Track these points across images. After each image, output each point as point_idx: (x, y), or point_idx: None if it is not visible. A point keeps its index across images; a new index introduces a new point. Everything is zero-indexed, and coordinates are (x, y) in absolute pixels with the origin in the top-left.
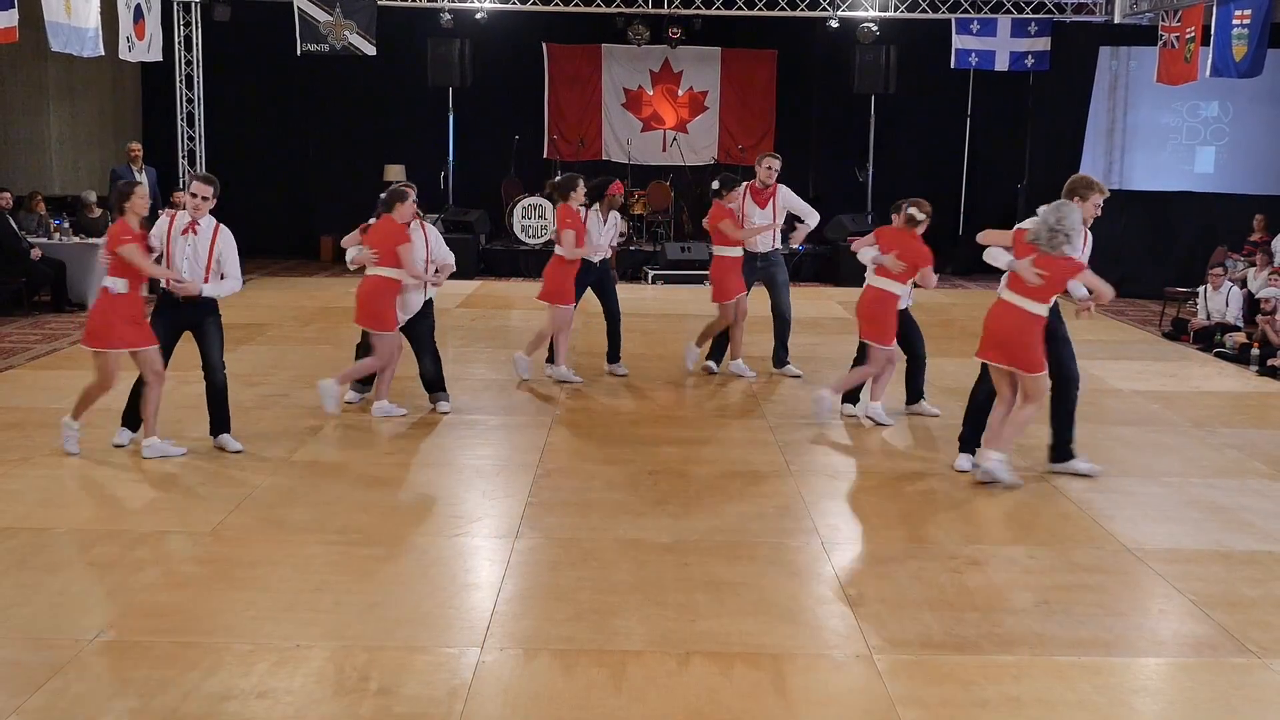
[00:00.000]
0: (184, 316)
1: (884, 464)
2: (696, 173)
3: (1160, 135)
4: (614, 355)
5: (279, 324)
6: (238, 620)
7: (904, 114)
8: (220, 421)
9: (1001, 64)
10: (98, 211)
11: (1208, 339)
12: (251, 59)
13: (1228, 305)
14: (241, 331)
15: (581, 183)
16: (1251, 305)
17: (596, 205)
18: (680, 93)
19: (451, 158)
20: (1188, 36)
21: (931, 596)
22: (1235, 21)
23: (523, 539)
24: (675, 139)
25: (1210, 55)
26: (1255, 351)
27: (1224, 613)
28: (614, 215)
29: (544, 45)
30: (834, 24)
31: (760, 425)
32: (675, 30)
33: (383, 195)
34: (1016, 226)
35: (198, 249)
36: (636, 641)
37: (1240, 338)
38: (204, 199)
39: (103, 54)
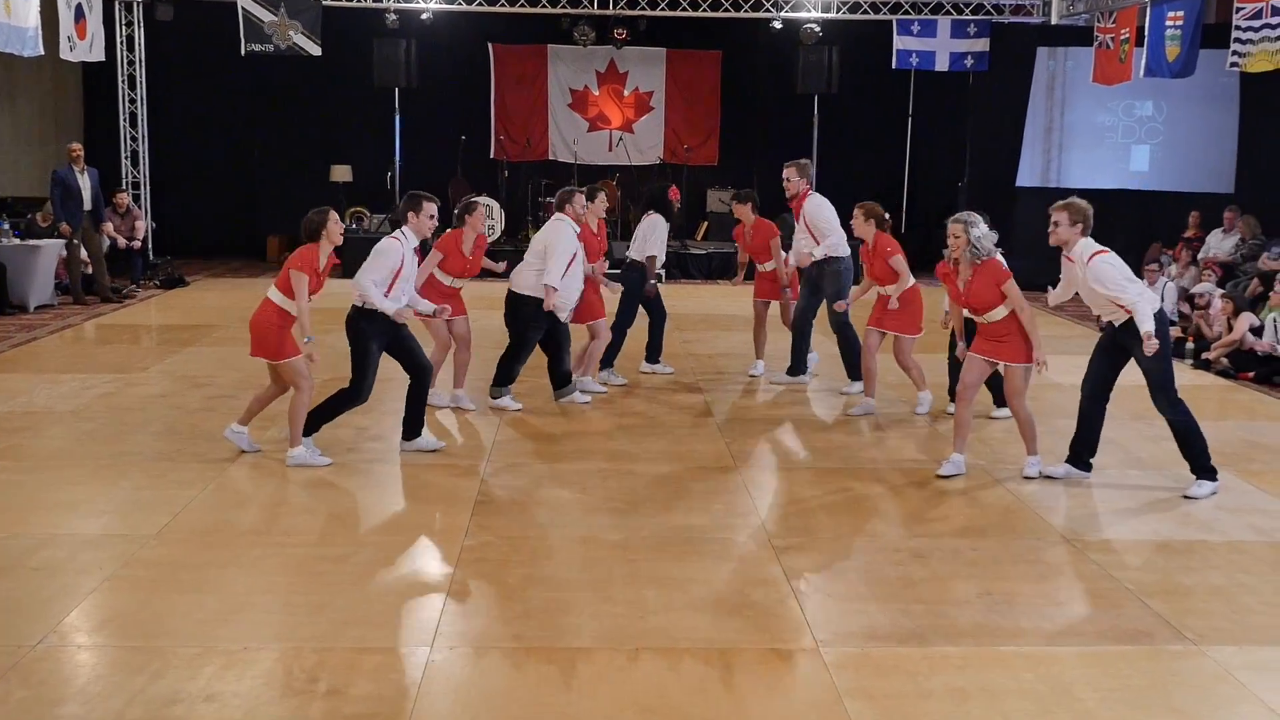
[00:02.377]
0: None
1: (831, 459)
2: (642, 172)
3: (1097, 134)
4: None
5: (225, 325)
6: (184, 623)
7: (847, 114)
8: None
9: (942, 64)
10: (49, 221)
11: None
12: (195, 59)
13: (1162, 300)
14: (187, 333)
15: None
16: (1186, 300)
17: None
18: (626, 93)
19: (398, 158)
20: (1122, 38)
21: (877, 589)
22: (1168, 23)
23: (471, 538)
24: (621, 139)
25: (1144, 56)
26: (1190, 345)
27: (1161, 601)
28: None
29: (490, 46)
30: (777, 25)
31: (708, 423)
32: (620, 31)
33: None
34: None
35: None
36: (586, 638)
37: (1175, 332)
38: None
39: (43, 54)
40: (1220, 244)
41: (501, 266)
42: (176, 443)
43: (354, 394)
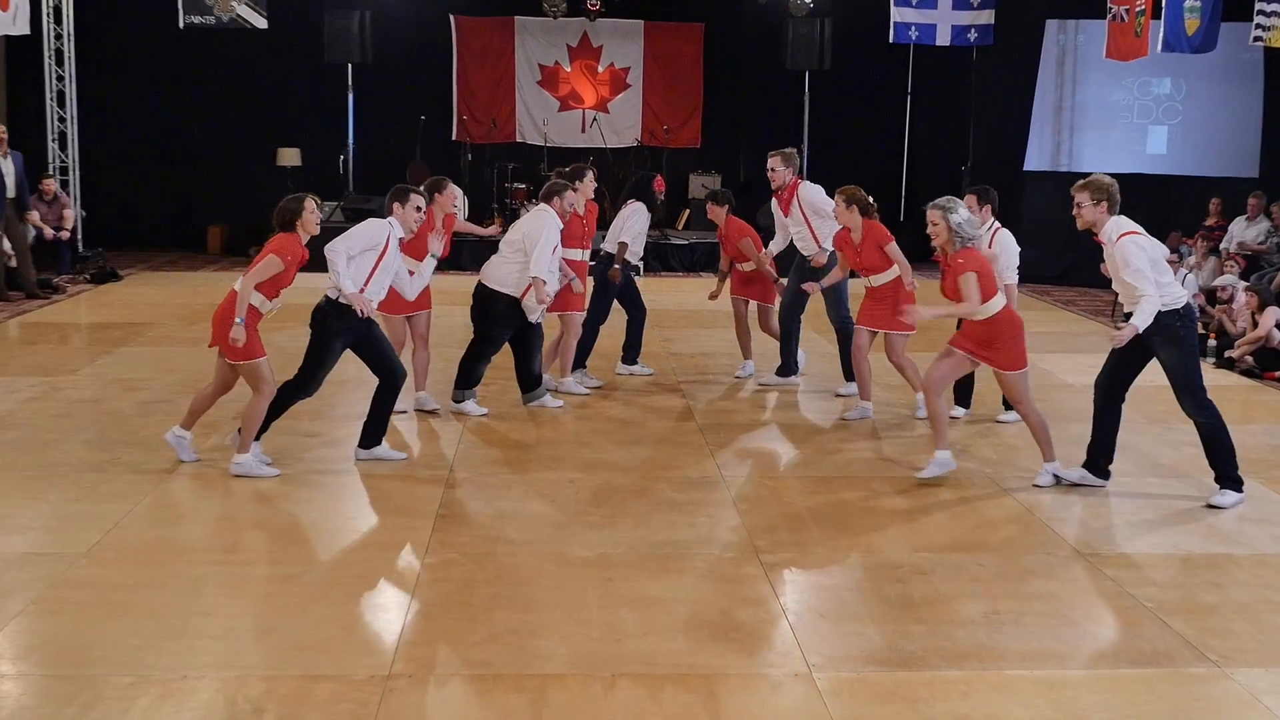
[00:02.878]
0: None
1: (824, 467)
2: (618, 156)
3: (1110, 114)
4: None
5: (161, 323)
6: (118, 650)
7: (840, 92)
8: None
9: (943, 38)
10: None
11: None
12: (129, 33)
13: None
14: (120, 332)
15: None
16: (1207, 294)
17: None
18: (600, 69)
19: (351, 140)
20: (1138, 9)
21: (874, 609)
22: None
23: (432, 555)
24: (595, 119)
25: (1161, 29)
26: (1212, 342)
27: (1182, 620)
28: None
29: (451, 18)
30: None
31: (690, 428)
32: (594, 2)
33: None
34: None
35: None
36: (558, 664)
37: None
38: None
39: None
40: (1243, 233)
41: (494, 229)
42: (109, 452)
43: (300, 385)
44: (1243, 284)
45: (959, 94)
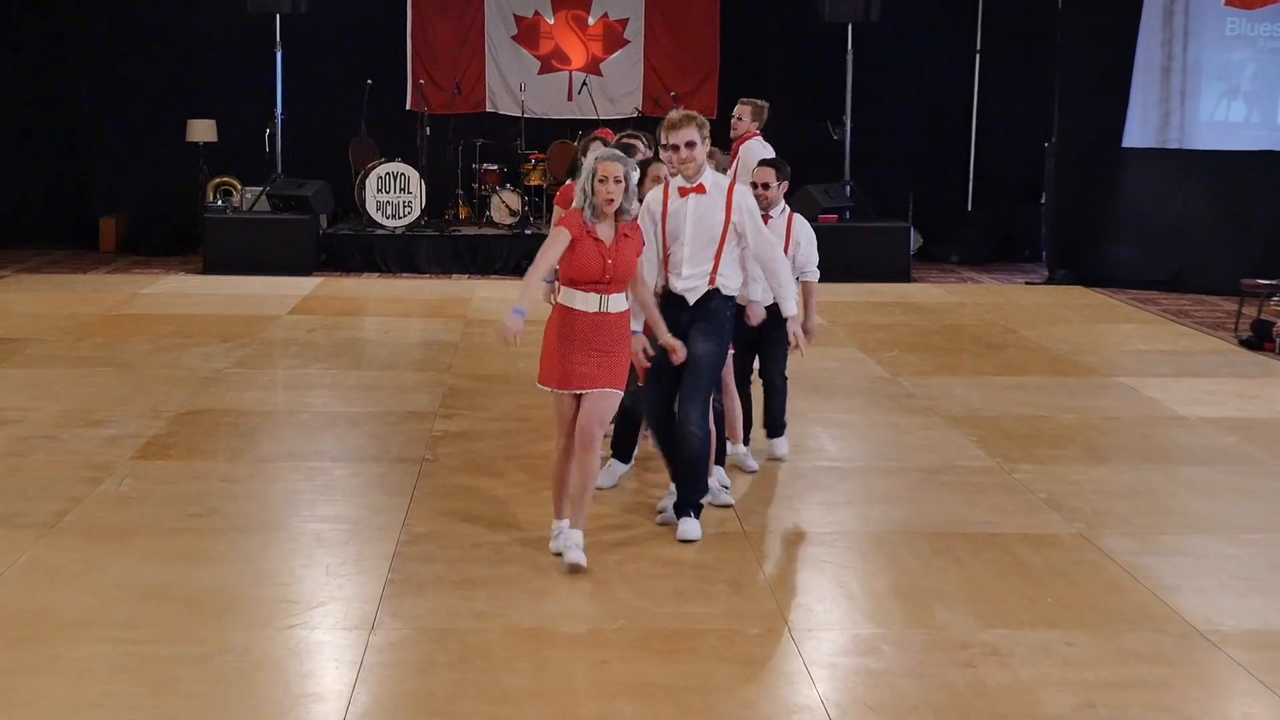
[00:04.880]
0: None
1: (870, 521)
2: (614, 129)
3: (1232, 76)
4: None
5: (41, 338)
6: None
7: (892, 51)
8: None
9: None
10: None
11: None
12: None
13: None
14: None
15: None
16: None
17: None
18: (591, 21)
19: (279, 111)
20: None
21: (938, 700)
22: None
23: (381, 631)
24: (585, 83)
25: None
26: None
27: None
28: None
29: None
30: None
31: None
32: None
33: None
34: None
35: None
36: None
37: None
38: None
39: None
40: None
41: None
42: None
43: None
44: None
45: (1041, 52)
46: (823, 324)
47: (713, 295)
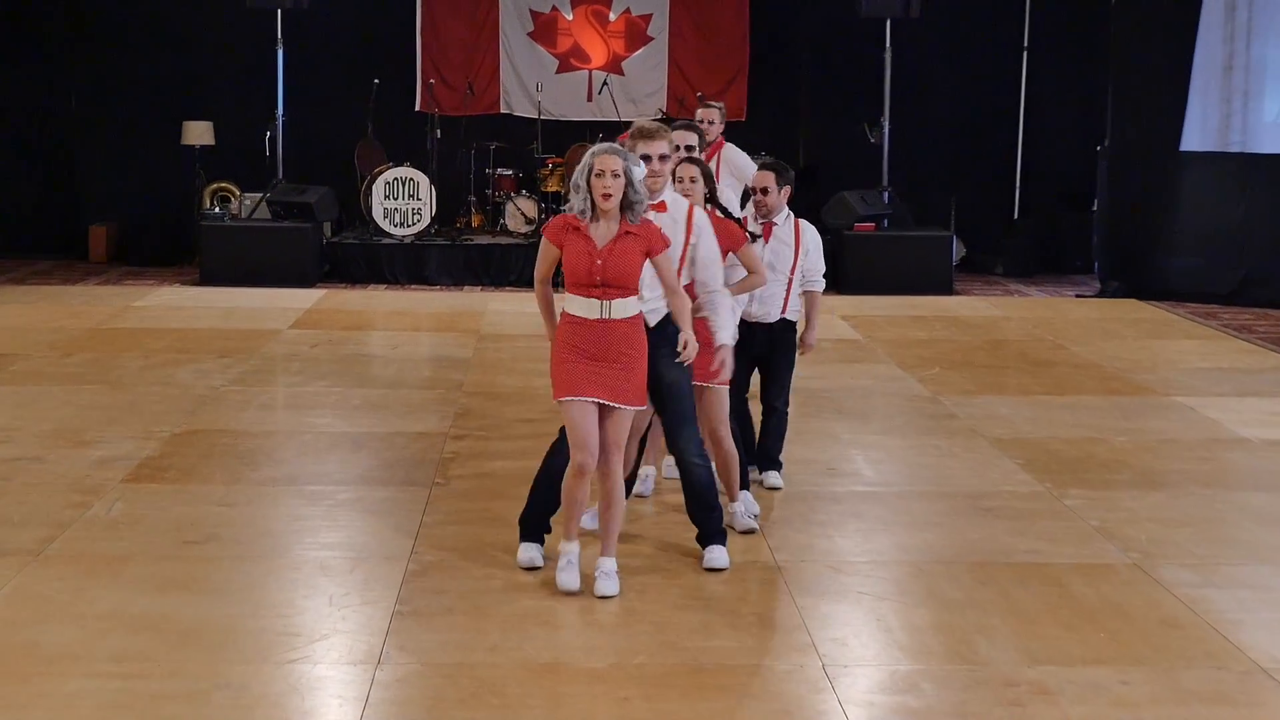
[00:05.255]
0: None
1: (909, 549)
2: None
3: None
4: None
5: (28, 353)
6: None
7: (933, 48)
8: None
9: None
10: None
11: None
12: None
13: None
14: None
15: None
16: None
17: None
18: (613, 17)
19: (281, 112)
20: None
21: None
22: None
23: (388, 666)
24: (606, 83)
25: None
26: None
27: None
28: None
29: None
30: None
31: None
32: None
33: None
34: None
35: None
36: None
37: None
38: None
39: None
40: None
41: None
42: None
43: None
44: None
45: (1093, 49)
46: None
47: (670, 318)
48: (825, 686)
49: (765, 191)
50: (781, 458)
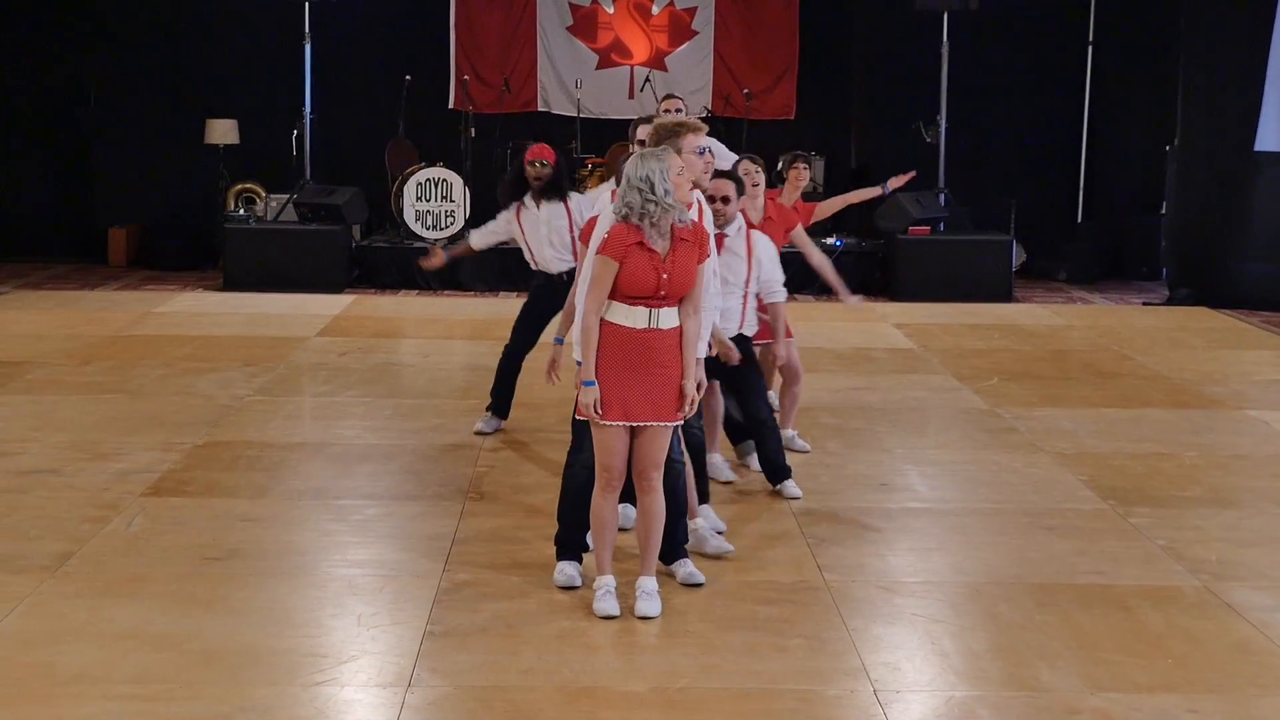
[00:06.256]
0: None
1: (965, 570)
2: None
3: None
4: None
5: (44, 362)
6: None
7: (993, 43)
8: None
9: None
10: None
11: None
12: None
13: None
14: None
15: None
16: None
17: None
18: (656, 10)
19: (308, 109)
20: None
21: None
22: None
23: (419, 689)
24: (648, 79)
25: None
26: None
27: None
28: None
29: None
30: None
31: (781, 512)
32: None
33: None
34: None
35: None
36: None
37: None
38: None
39: None
40: None
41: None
42: None
43: None
44: None
45: (1162, 43)
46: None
47: None
48: (877, 713)
49: (725, 200)
50: (789, 463)
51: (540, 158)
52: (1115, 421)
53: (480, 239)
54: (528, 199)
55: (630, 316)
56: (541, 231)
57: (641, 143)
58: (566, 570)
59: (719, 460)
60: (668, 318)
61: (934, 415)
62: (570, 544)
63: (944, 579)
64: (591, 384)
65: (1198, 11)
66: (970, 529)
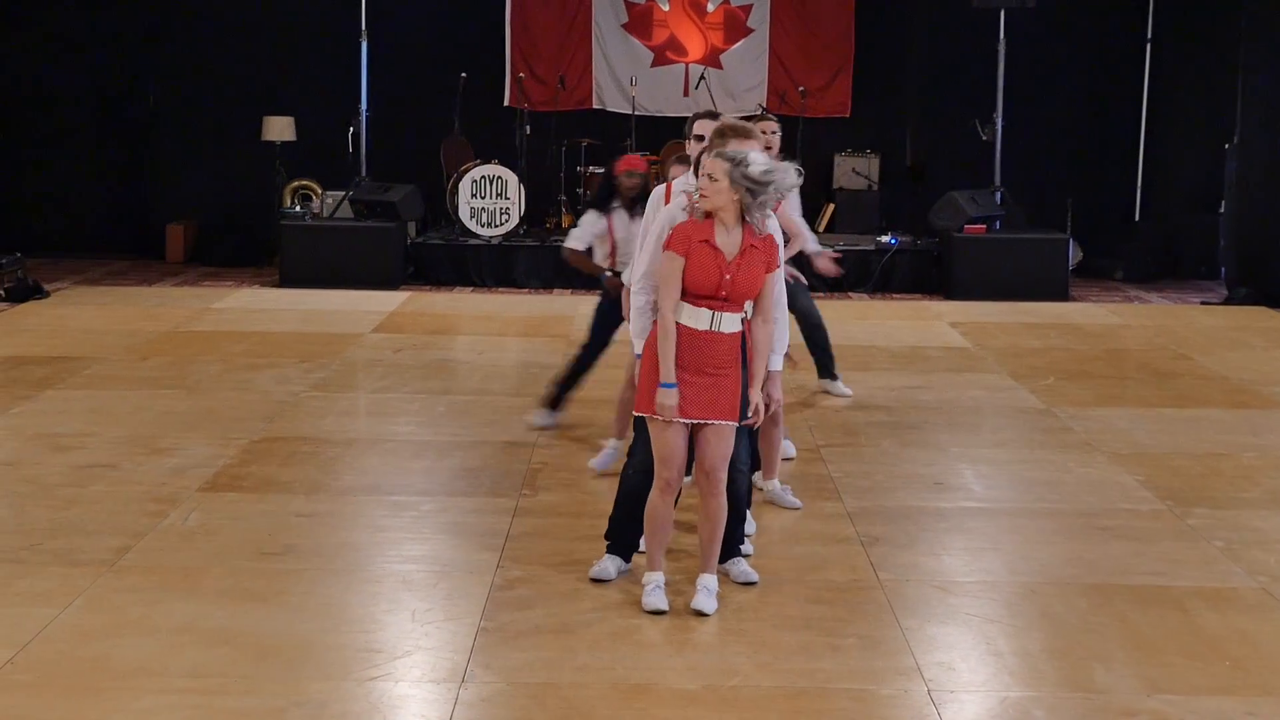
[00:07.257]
0: None
1: (1017, 568)
2: None
3: None
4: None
5: (102, 357)
6: None
7: (1050, 40)
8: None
9: None
10: None
11: None
12: None
13: None
14: (45, 369)
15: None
16: None
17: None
18: (711, 8)
19: (364, 107)
20: None
21: None
22: None
23: (473, 685)
24: (703, 77)
25: None
26: None
27: None
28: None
29: None
30: None
31: (833, 508)
32: None
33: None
34: None
35: None
36: None
37: None
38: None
39: None
40: None
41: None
42: (27, 536)
43: None
44: None
45: (1221, 39)
46: None
47: None
48: (931, 713)
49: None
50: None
51: (632, 169)
52: (1173, 421)
53: (581, 242)
54: (617, 204)
55: (694, 317)
56: (634, 237)
57: (699, 137)
58: (605, 564)
59: (777, 487)
60: (730, 322)
61: (989, 414)
62: (620, 543)
63: (999, 579)
64: (672, 386)
65: (1259, 5)
66: (1025, 529)
